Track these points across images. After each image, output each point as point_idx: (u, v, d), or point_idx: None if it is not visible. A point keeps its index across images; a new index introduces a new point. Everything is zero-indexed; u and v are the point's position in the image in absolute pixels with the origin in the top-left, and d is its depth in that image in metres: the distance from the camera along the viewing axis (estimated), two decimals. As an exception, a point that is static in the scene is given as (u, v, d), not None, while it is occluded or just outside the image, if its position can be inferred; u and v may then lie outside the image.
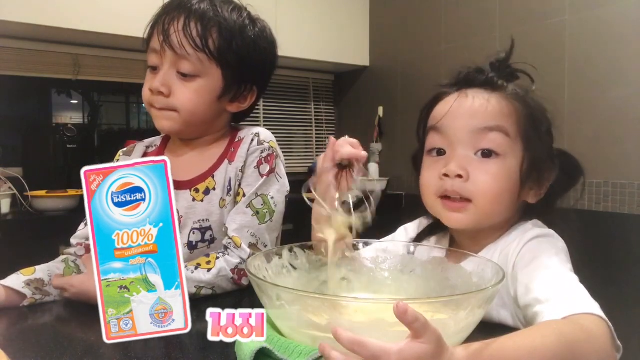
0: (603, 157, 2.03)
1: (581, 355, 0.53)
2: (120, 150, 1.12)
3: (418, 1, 2.98)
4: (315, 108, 3.57)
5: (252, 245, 0.95)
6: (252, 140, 1.00)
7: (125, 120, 3.01)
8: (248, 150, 0.99)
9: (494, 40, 2.52)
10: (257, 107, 3.73)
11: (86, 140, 2.79)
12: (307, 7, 3.02)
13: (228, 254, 0.93)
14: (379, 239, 0.80)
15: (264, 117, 3.31)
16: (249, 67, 0.99)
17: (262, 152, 0.99)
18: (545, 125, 0.77)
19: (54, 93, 2.72)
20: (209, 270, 0.90)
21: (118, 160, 1.10)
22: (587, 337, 0.54)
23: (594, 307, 0.58)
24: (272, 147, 1.01)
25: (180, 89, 0.95)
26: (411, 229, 0.92)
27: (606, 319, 0.57)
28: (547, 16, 2.29)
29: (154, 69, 0.97)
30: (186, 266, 0.91)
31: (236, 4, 1.00)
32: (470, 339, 0.54)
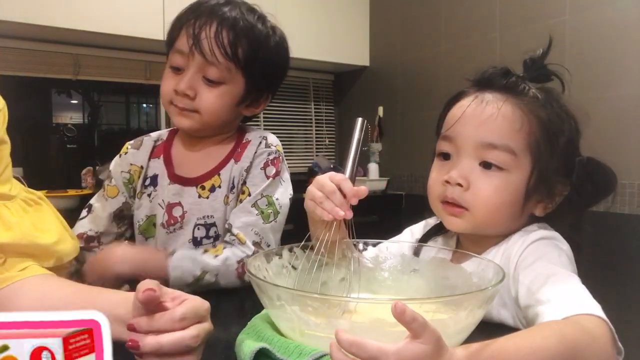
0: (603, 157, 2.02)
1: (582, 356, 0.53)
2: (128, 143, 1.13)
3: (418, 1, 2.99)
4: (315, 108, 3.57)
5: (255, 244, 0.96)
6: (260, 143, 1.03)
7: (125, 120, 3.02)
8: (255, 152, 1.02)
9: (494, 40, 2.52)
10: (257, 107, 3.67)
11: (86, 140, 2.79)
12: (307, 7, 3.03)
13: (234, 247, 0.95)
14: (379, 238, 0.80)
15: (264, 117, 3.31)
16: (269, 76, 1.03)
17: (268, 154, 1.02)
18: (564, 137, 0.74)
19: (54, 93, 2.73)
20: (216, 256, 0.92)
21: (126, 153, 1.10)
22: (588, 339, 0.54)
23: (595, 309, 0.58)
24: (278, 151, 1.04)
25: (205, 93, 0.96)
26: (417, 230, 0.92)
27: (607, 320, 0.57)
28: (547, 16, 2.29)
29: (177, 69, 0.98)
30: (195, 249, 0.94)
31: (259, 13, 1.03)
32: (470, 339, 0.54)
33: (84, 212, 1.07)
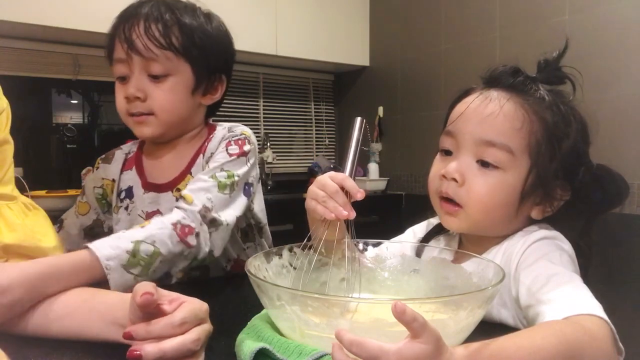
0: (603, 157, 2.02)
1: (582, 356, 0.52)
2: (99, 158, 1.13)
3: (418, 1, 2.98)
4: (315, 108, 3.57)
5: (205, 208, 0.89)
6: (225, 133, 1.03)
7: (125, 120, 3.02)
8: (219, 141, 1.01)
9: (494, 40, 2.52)
10: (256, 107, 3.71)
11: (86, 140, 2.79)
12: (307, 7, 3.02)
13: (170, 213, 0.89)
14: (379, 238, 0.81)
15: (264, 117, 3.30)
16: (214, 58, 1.01)
17: (232, 137, 1.01)
18: (568, 141, 0.73)
19: (54, 93, 2.72)
20: (142, 227, 0.84)
21: (97, 168, 1.11)
22: (588, 339, 0.54)
23: (596, 309, 0.58)
24: (244, 134, 1.02)
25: (155, 91, 0.96)
26: (419, 230, 0.92)
27: (608, 320, 0.57)
28: (547, 16, 2.29)
29: (123, 79, 0.98)
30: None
31: (187, 4, 1.02)
32: (470, 339, 0.54)
33: (55, 228, 1.04)
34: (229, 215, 0.94)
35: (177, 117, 0.99)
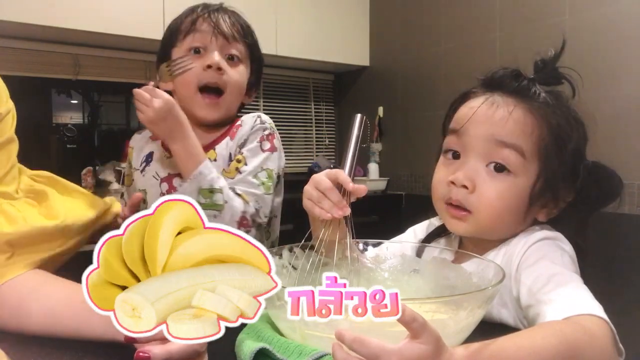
0: (603, 158, 2.01)
1: (582, 356, 0.53)
2: (136, 133, 1.22)
3: (418, 1, 2.98)
4: (315, 108, 3.57)
5: (256, 213, 1.03)
6: (255, 120, 1.11)
7: (125, 120, 3.01)
8: (251, 129, 1.09)
9: (494, 40, 2.52)
10: (256, 107, 3.71)
11: (86, 140, 2.79)
12: (307, 7, 3.02)
13: None
14: (379, 238, 0.80)
15: (264, 117, 3.30)
16: (262, 64, 1.17)
17: (264, 130, 1.10)
18: (572, 143, 0.73)
19: (54, 93, 2.72)
20: (232, 190, 1.00)
21: (131, 139, 1.20)
22: (589, 339, 0.54)
23: (596, 309, 0.58)
24: (272, 128, 1.12)
25: (230, 70, 1.07)
26: (420, 230, 0.91)
27: (608, 320, 0.57)
28: (547, 16, 2.29)
29: (197, 51, 1.06)
30: None
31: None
32: (470, 339, 0.54)
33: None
34: (273, 207, 1.08)
35: (233, 102, 1.09)
